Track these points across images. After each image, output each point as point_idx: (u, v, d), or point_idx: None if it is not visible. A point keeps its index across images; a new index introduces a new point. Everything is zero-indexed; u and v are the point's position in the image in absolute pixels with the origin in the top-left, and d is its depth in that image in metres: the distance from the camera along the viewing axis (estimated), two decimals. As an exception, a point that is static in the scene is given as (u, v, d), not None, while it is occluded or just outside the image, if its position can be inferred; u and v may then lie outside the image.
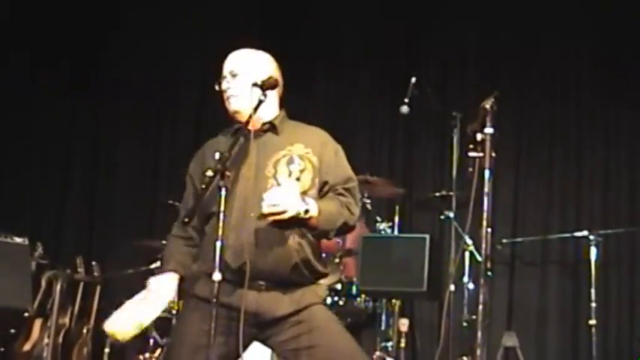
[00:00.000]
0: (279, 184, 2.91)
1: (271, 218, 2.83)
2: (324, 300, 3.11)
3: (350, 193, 3.06)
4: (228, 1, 7.20)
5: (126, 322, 2.93)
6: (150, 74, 7.34)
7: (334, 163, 3.07)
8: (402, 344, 5.19)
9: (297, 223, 2.88)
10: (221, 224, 2.74)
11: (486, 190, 2.95)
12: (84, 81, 7.29)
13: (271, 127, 3.07)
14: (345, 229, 3.07)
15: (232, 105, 3.06)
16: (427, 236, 4.92)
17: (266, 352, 4.11)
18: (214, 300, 2.70)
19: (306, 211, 2.85)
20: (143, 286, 6.38)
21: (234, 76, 3.07)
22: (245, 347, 2.95)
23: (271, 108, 3.09)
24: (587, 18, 6.47)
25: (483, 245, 2.93)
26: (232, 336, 2.83)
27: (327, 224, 2.96)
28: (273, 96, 3.09)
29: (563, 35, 6.54)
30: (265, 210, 2.80)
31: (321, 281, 3.08)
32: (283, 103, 3.17)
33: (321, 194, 3.02)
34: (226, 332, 2.86)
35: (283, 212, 2.80)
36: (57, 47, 7.22)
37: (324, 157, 3.04)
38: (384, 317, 5.17)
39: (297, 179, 2.95)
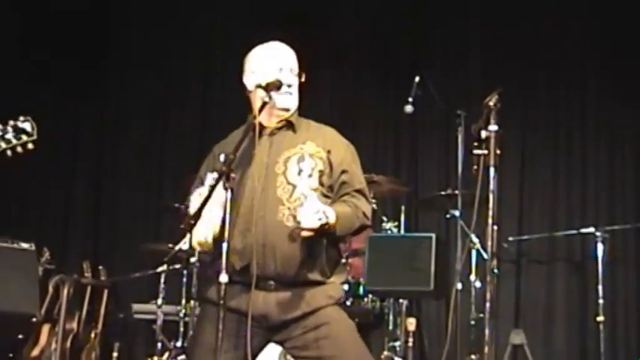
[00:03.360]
0: (288, 184, 2.89)
1: (305, 234, 2.81)
2: (340, 300, 3.07)
3: (362, 194, 3.06)
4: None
5: (204, 232, 2.82)
6: (154, 79, 7.34)
7: (349, 160, 3.06)
8: (410, 344, 5.19)
9: (319, 232, 2.84)
10: (227, 227, 2.72)
11: (491, 187, 2.94)
12: (88, 86, 7.29)
13: (288, 124, 3.04)
14: (360, 231, 3.11)
15: (290, 102, 3.04)
16: (433, 235, 4.91)
17: (274, 351, 4.10)
18: (221, 302, 2.70)
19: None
20: (148, 288, 6.39)
21: (291, 71, 3.06)
22: (259, 349, 2.95)
23: (292, 103, 3.05)
24: (590, 13, 6.47)
25: (489, 243, 2.92)
26: (243, 339, 2.82)
27: (344, 229, 2.95)
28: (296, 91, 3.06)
29: (567, 32, 6.53)
30: (309, 224, 2.77)
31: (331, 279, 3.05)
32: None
33: (336, 194, 3.01)
34: (237, 335, 2.85)
35: (325, 225, 2.79)
36: (59, 50, 7.22)
37: (338, 157, 3.01)
38: (391, 317, 5.16)
39: (310, 176, 2.92)
